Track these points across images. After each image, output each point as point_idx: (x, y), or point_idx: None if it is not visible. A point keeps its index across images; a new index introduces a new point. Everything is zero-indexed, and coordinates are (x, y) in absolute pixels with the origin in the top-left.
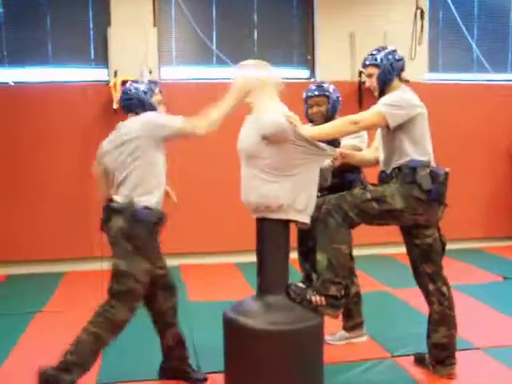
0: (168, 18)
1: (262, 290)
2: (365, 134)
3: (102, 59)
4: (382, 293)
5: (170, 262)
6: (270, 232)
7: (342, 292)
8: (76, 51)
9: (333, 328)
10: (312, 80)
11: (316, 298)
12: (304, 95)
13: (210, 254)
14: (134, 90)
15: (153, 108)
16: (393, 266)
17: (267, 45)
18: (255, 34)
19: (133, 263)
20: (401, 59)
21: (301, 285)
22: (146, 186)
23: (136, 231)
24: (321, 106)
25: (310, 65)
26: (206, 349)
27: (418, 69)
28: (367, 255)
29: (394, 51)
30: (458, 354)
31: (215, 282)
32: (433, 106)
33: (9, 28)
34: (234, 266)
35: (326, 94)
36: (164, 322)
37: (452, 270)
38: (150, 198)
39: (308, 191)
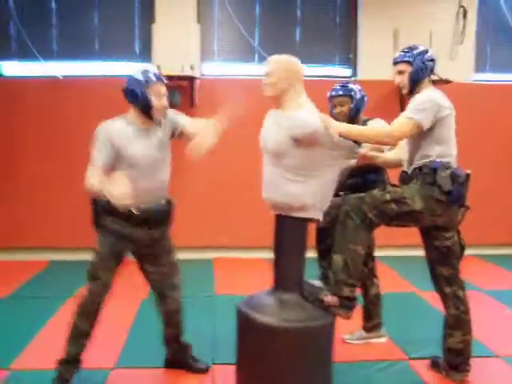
0: (211, 15)
1: (277, 286)
2: None
3: (147, 54)
4: (410, 294)
5: (204, 256)
6: (288, 229)
7: (355, 293)
8: (122, 46)
9: (352, 327)
10: (353, 79)
11: (328, 298)
12: (328, 94)
13: (245, 248)
14: (128, 82)
15: (146, 99)
16: (424, 268)
17: (309, 42)
18: (298, 32)
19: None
20: (433, 59)
21: (317, 282)
22: None
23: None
24: (344, 106)
25: (353, 63)
26: (224, 341)
27: (463, 69)
28: (399, 256)
29: (427, 51)
30: (477, 361)
31: (246, 277)
32: (478, 107)
33: (58, 24)
34: (267, 261)
35: (350, 94)
36: (166, 321)
37: (485, 274)
38: None
39: (326, 190)
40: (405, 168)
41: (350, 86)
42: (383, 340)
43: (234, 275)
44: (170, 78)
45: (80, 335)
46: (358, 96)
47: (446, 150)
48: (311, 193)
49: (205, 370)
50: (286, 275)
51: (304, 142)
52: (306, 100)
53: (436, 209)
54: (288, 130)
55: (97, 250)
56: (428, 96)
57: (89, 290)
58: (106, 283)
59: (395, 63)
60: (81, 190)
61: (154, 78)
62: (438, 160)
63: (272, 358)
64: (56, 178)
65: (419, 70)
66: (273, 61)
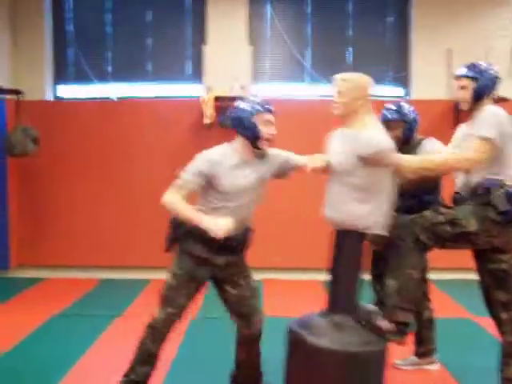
0: (262, 36)
1: (330, 308)
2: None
3: (198, 76)
4: (465, 320)
5: (254, 277)
6: (346, 247)
7: (410, 319)
8: (174, 68)
9: (405, 352)
10: (407, 98)
11: (382, 323)
12: (380, 118)
13: (294, 269)
14: (237, 108)
15: (253, 128)
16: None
17: (362, 62)
18: (350, 52)
19: (171, 268)
20: (498, 77)
21: (371, 307)
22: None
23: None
24: (396, 129)
25: (406, 83)
26: (270, 364)
27: None
28: (454, 279)
29: (492, 68)
30: None
31: (294, 299)
32: None
33: (114, 47)
34: (319, 283)
35: (402, 118)
36: (243, 344)
37: None
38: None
39: (387, 206)
40: (458, 188)
41: (402, 107)
42: (435, 367)
43: (282, 297)
44: (220, 98)
45: (151, 357)
46: (411, 117)
47: (503, 169)
48: (375, 212)
49: None
50: (341, 297)
51: (369, 161)
52: (374, 119)
53: (491, 230)
54: (354, 148)
55: (174, 273)
56: (495, 112)
57: (166, 314)
58: (182, 308)
59: (458, 78)
60: (133, 210)
61: (260, 107)
62: (493, 178)
63: (320, 380)
64: (109, 197)
65: (484, 87)
66: (343, 79)
